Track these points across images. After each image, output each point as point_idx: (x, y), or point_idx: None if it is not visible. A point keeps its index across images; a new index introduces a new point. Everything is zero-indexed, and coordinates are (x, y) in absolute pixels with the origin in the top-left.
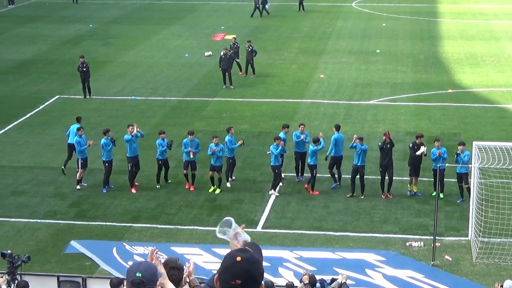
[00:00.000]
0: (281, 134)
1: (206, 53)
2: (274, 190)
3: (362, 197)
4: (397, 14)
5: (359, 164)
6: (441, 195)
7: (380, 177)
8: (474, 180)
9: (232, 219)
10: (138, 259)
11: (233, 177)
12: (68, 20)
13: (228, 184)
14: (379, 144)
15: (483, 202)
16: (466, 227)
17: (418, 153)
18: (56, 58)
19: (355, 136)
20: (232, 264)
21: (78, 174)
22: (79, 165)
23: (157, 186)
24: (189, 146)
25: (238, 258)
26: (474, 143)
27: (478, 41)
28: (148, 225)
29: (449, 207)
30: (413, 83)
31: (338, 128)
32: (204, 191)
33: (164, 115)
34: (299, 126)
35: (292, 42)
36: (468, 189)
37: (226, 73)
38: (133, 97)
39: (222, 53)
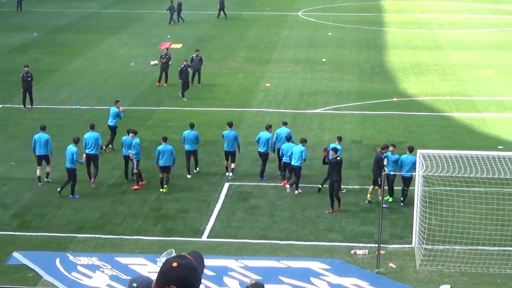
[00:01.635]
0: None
1: (152, 62)
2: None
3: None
4: (343, 24)
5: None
6: (390, 199)
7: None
8: (418, 188)
9: (173, 250)
10: (82, 269)
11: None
12: (12, 28)
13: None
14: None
15: (427, 210)
16: (410, 235)
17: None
18: (2, 67)
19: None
20: (168, 270)
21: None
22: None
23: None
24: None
25: (175, 264)
26: (419, 151)
27: (423, 50)
28: (92, 236)
29: (393, 215)
30: (359, 92)
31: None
32: (149, 201)
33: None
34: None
35: (238, 51)
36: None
37: (182, 85)
38: (78, 106)
39: (182, 65)
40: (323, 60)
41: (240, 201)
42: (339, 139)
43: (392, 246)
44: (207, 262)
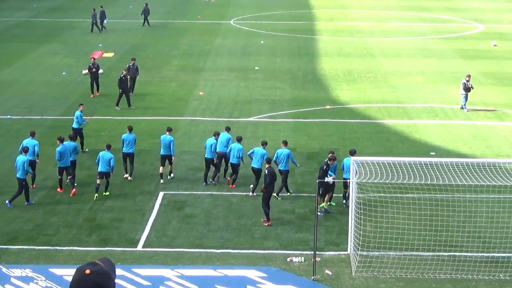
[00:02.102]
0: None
1: (84, 71)
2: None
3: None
4: (275, 32)
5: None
6: (333, 203)
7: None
8: (352, 195)
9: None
10: (16, 282)
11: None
12: None
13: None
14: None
15: (362, 217)
16: (345, 241)
17: (327, 180)
18: None
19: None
20: (81, 278)
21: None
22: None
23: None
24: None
25: (87, 271)
26: (352, 158)
27: (354, 58)
28: (26, 247)
29: (329, 222)
30: (292, 100)
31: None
32: (83, 211)
33: (41, 134)
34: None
35: (171, 59)
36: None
37: (124, 94)
38: (8, 116)
39: (121, 75)
40: (256, 68)
41: (175, 210)
42: (285, 143)
43: (327, 253)
44: (143, 272)
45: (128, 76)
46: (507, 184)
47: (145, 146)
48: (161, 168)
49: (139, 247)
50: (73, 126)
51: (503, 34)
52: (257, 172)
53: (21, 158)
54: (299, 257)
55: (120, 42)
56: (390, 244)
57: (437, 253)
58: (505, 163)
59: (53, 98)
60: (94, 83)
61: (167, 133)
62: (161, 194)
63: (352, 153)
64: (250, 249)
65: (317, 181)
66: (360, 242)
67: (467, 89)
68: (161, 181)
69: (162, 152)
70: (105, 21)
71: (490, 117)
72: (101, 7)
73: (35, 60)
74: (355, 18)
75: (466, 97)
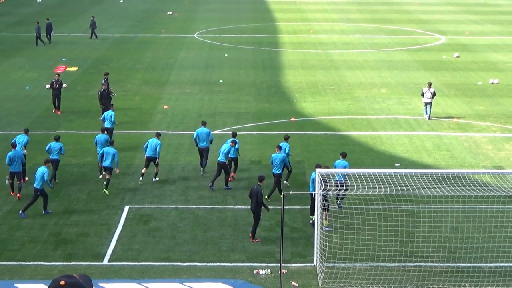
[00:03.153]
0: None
1: (47, 86)
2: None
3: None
4: (239, 45)
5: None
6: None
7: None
8: (318, 207)
9: None
10: None
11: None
12: None
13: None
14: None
15: (327, 228)
16: (311, 253)
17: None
18: None
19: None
20: None
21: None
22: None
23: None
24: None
25: (62, 282)
26: (317, 170)
27: (318, 70)
28: None
29: (294, 234)
30: (256, 112)
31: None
32: (48, 226)
33: (5, 149)
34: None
35: (135, 73)
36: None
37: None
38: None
39: (101, 90)
40: (220, 81)
41: (141, 223)
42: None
43: (294, 265)
44: (110, 286)
45: (108, 90)
46: (471, 194)
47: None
48: (144, 169)
49: (105, 261)
50: (105, 125)
51: (465, 45)
52: (276, 176)
53: (41, 170)
54: (266, 270)
55: (83, 56)
56: (356, 256)
57: (403, 264)
58: (469, 173)
59: (18, 113)
60: (56, 100)
61: (156, 137)
62: (126, 207)
63: (344, 155)
64: (216, 262)
65: (316, 192)
66: (326, 254)
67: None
68: (140, 179)
69: (148, 154)
70: (51, 34)
71: (453, 128)
72: (48, 19)
73: None
74: (318, 31)
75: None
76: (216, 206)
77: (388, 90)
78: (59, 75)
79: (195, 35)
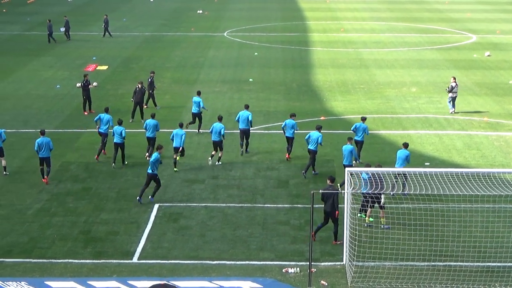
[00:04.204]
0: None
1: (78, 84)
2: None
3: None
4: (269, 43)
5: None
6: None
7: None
8: (347, 206)
9: None
10: None
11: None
12: None
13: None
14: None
15: (357, 227)
16: (340, 252)
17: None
18: None
19: None
20: None
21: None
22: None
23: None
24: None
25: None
26: (347, 169)
27: (348, 69)
28: (21, 260)
29: (323, 232)
30: (286, 111)
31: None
32: (78, 224)
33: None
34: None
35: (164, 72)
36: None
37: (138, 106)
38: (2, 130)
39: (137, 86)
40: (250, 80)
41: (171, 221)
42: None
43: (323, 263)
44: (139, 284)
45: (144, 89)
46: (502, 193)
47: (140, 159)
48: (174, 155)
49: (135, 259)
50: (192, 111)
51: (496, 44)
52: (312, 153)
53: (155, 155)
54: (295, 268)
55: (113, 55)
56: (386, 255)
57: (433, 263)
58: (500, 172)
59: (48, 111)
60: (87, 100)
61: (179, 128)
62: (156, 206)
63: (406, 145)
64: (245, 261)
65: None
66: (356, 253)
67: (450, 91)
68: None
69: (175, 144)
70: (61, 30)
71: (484, 127)
72: (65, 16)
73: (30, 73)
74: (348, 30)
75: (451, 100)
76: (245, 205)
77: (418, 89)
78: (87, 75)
79: (225, 34)
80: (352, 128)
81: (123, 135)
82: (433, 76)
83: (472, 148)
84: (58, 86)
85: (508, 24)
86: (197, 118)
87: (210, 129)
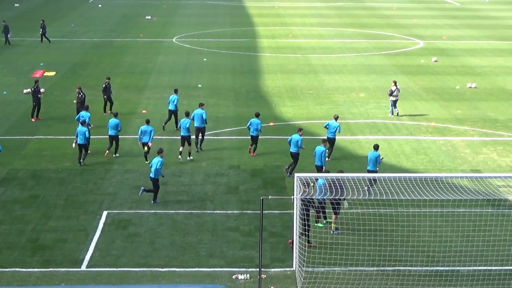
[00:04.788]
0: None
1: (25, 90)
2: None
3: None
4: (218, 49)
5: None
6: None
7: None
8: (296, 212)
9: None
10: None
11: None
12: None
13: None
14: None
15: (306, 233)
16: (290, 258)
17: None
18: None
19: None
20: None
21: None
22: None
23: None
24: None
25: None
26: (296, 175)
27: (297, 75)
28: None
29: (273, 238)
30: (235, 117)
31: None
32: (25, 232)
33: None
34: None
35: (113, 78)
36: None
37: (109, 101)
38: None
39: (105, 83)
40: (199, 85)
41: (120, 229)
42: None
43: (273, 269)
44: None
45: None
46: (449, 198)
47: (89, 165)
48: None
49: (83, 267)
50: (169, 108)
51: (443, 50)
52: (294, 156)
53: (156, 160)
54: (245, 275)
55: (61, 61)
56: (335, 260)
57: (382, 268)
58: (447, 177)
59: None
60: (36, 106)
61: (146, 124)
62: (105, 213)
63: (376, 147)
64: (195, 267)
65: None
66: (305, 258)
67: (390, 94)
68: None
69: (143, 140)
70: (8, 35)
71: (431, 132)
72: (4, 21)
73: None
74: (297, 35)
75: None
76: (194, 211)
77: (367, 95)
78: (38, 81)
79: (173, 40)
80: (324, 125)
81: (119, 128)
82: (381, 81)
83: (420, 153)
84: (4, 92)
85: (454, 30)
86: (173, 116)
87: (179, 125)
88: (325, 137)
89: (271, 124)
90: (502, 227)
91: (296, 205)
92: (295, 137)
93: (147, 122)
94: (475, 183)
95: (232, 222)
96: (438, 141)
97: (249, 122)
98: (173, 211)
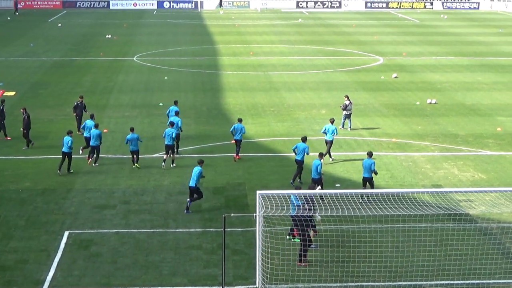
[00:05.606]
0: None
1: None
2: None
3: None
4: (179, 67)
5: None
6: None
7: None
8: (259, 229)
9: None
10: None
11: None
12: None
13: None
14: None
15: (269, 250)
16: (254, 275)
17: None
18: None
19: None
20: None
21: None
22: None
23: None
24: None
25: None
26: (258, 192)
27: (258, 92)
28: None
29: (236, 256)
30: (197, 135)
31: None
32: None
33: None
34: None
35: (74, 97)
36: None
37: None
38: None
39: (77, 101)
40: (160, 104)
41: (81, 249)
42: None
43: (236, 287)
44: None
45: (84, 104)
46: (411, 213)
47: (50, 185)
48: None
49: None
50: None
51: (403, 66)
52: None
53: (196, 169)
54: None
55: (21, 80)
56: (298, 277)
57: (345, 284)
58: (409, 192)
59: None
60: (2, 127)
61: (131, 132)
62: (66, 233)
63: (370, 154)
64: (158, 286)
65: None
66: (268, 276)
67: (344, 108)
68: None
69: (131, 149)
70: None
71: (393, 148)
72: None
73: None
74: (257, 53)
75: (345, 117)
76: (157, 230)
77: (328, 111)
78: (4, 100)
79: (134, 58)
80: (322, 131)
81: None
82: (342, 98)
83: (381, 169)
84: None
85: (413, 46)
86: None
87: (163, 134)
88: (322, 152)
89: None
90: (463, 241)
91: (259, 223)
92: (301, 145)
93: (132, 130)
94: (436, 198)
95: (194, 240)
96: (399, 157)
97: (232, 127)
98: (136, 230)
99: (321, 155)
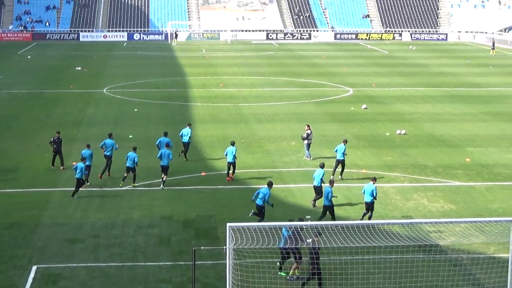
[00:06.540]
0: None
1: None
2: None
3: None
4: (149, 99)
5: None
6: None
7: None
8: (229, 262)
9: None
10: None
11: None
12: None
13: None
14: None
15: (239, 283)
16: None
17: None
18: None
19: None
20: None
21: None
22: None
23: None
24: None
25: None
26: (228, 224)
27: (229, 124)
28: None
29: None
30: None
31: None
32: None
33: None
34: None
35: (44, 129)
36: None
37: (58, 155)
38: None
39: (54, 137)
40: (130, 136)
41: (50, 284)
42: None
43: None
44: None
45: (61, 139)
46: (382, 244)
47: (19, 219)
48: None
49: None
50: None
51: (372, 97)
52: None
53: (264, 190)
54: None
55: None
56: None
57: None
58: (379, 224)
59: None
60: None
61: (132, 151)
62: (34, 267)
63: (374, 179)
64: None
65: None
66: None
67: (305, 138)
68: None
69: (127, 165)
70: None
71: (363, 179)
72: None
73: None
74: (228, 84)
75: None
76: (126, 264)
77: (298, 143)
78: None
79: (104, 91)
80: (335, 150)
81: (115, 147)
82: (312, 129)
83: (352, 200)
84: None
85: (382, 77)
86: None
87: (158, 155)
88: (333, 178)
89: (203, 174)
90: (433, 273)
91: (229, 256)
92: (318, 171)
93: (134, 149)
94: (406, 229)
95: (164, 273)
96: None
97: (226, 151)
98: (105, 264)
99: (331, 182)
